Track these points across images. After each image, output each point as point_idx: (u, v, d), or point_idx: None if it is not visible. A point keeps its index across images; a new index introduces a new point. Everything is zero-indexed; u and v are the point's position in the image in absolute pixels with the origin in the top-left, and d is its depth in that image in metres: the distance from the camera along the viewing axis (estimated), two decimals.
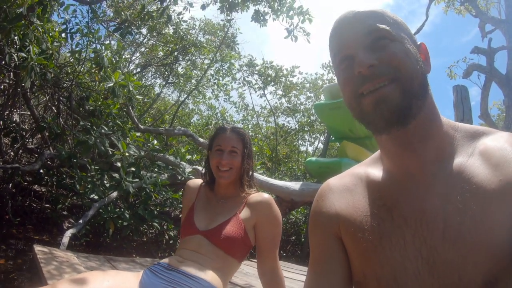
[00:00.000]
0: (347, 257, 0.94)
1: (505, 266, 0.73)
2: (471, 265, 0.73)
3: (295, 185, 5.94)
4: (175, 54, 10.33)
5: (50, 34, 5.21)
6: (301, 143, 14.40)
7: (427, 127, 0.84)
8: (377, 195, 0.91)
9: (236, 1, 7.88)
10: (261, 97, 13.88)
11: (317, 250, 0.99)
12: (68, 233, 3.86)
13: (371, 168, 0.98)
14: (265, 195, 1.86)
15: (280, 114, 14.11)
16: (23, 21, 4.33)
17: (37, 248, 3.14)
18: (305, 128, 13.14)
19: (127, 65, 10.38)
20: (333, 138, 7.60)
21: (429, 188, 0.83)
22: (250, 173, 1.96)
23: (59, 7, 5.41)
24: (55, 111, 5.97)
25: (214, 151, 1.92)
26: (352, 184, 0.98)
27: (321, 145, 12.22)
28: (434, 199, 0.80)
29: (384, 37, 0.83)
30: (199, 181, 2.06)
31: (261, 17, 7.81)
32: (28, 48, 4.36)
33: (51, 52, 4.97)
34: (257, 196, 1.86)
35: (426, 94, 0.84)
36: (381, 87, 0.80)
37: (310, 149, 14.19)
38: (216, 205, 1.90)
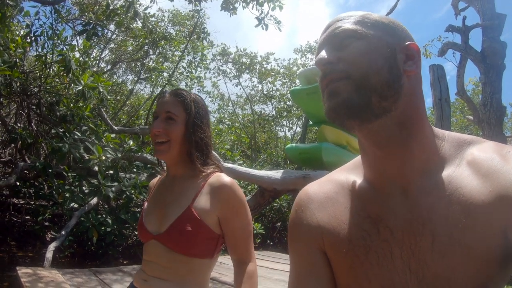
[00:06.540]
0: (332, 272, 0.89)
1: (495, 275, 0.73)
2: (461, 277, 0.72)
3: (276, 174, 5.94)
4: (145, 48, 10.13)
5: (14, 40, 5.02)
6: (280, 129, 14.43)
7: (405, 132, 0.80)
8: (361, 205, 0.86)
9: None
10: (236, 85, 13.81)
11: (299, 264, 0.92)
12: (52, 247, 3.77)
13: (353, 174, 0.93)
14: (225, 179, 1.45)
15: (256, 101, 14.08)
16: None
17: (21, 270, 3.03)
18: (283, 114, 13.14)
19: (96, 63, 10.14)
20: (311, 123, 7.61)
21: (415, 199, 0.80)
22: (204, 147, 1.52)
23: (18, 13, 5.19)
24: (26, 119, 5.80)
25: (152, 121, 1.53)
26: (333, 192, 0.93)
27: (299, 130, 12.25)
28: (421, 211, 0.78)
29: (350, 36, 0.81)
30: (159, 177, 1.70)
31: (231, 6, 7.68)
32: None
33: (15, 59, 4.80)
34: (215, 181, 1.45)
35: (397, 96, 0.79)
36: (335, 82, 0.78)
37: (288, 134, 14.23)
38: (166, 194, 1.52)
